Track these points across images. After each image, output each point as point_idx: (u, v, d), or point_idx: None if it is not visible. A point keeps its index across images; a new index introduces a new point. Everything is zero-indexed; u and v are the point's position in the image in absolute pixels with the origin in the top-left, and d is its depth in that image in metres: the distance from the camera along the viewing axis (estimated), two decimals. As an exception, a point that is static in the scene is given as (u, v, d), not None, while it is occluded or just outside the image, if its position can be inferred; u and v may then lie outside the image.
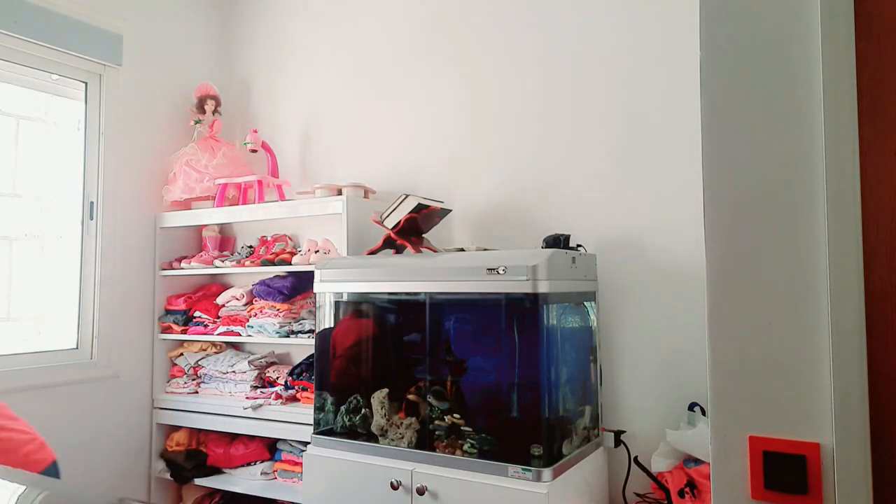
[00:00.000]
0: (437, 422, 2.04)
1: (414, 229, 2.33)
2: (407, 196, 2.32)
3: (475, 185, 2.59)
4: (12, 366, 2.49)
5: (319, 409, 2.27)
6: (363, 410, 2.16)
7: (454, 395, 2.06)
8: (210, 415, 2.78)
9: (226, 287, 3.07)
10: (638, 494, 2.11)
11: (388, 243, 2.35)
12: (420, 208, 2.29)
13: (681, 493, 1.86)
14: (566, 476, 1.86)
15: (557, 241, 2.12)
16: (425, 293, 2.09)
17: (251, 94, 3.29)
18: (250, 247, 2.98)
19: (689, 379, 2.12)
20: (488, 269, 1.91)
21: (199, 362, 2.96)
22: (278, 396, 2.66)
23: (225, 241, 3.21)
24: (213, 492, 2.91)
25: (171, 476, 2.86)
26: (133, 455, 2.88)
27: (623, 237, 2.27)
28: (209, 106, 3.06)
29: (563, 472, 1.84)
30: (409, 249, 2.28)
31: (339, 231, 2.58)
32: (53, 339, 2.71)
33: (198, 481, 2.80)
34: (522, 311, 1.91)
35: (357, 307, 2.36)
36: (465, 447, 1.95)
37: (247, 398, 2.71)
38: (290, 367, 2.78)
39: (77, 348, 2.75)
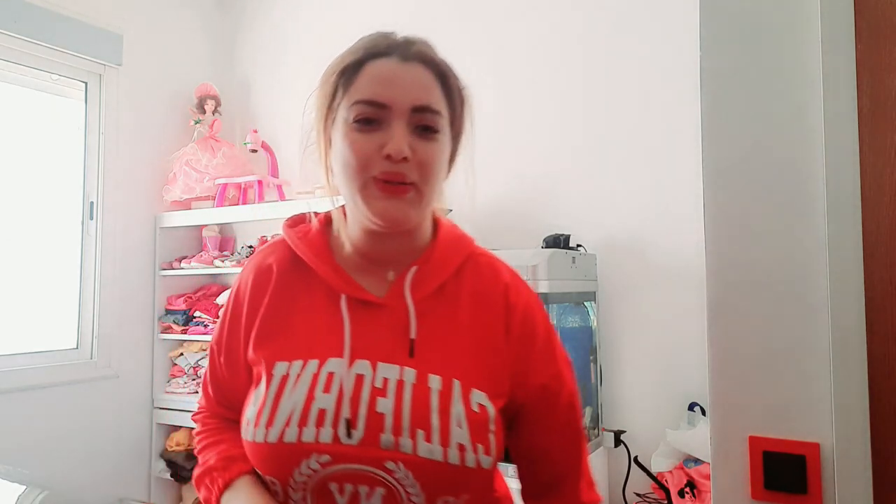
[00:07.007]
0: (437, 422, 2.03)
1: (414, 229, 2.32)
2: (407, 196, 2.31)
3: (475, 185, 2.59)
4: (12, 366, 2.48)
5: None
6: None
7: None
8: (210, 415, 2.78)
9: (226, 287, 3.07)
10: (638, 494, 2.11)
11: (388, 243, 2.35)
12: (420, 208, 2.29)
13: (681, 493, 1.86)
14: (566, 476, 1.85)
15: (557, 241, 2.12)
16: (425, 293, 2.09)
17: (251, 94, 3.29)
18: (250, 247, 2.98)
19: (689, 379, 2.11)
20: (488, 269, 1.91)
21: (200, 362, 2.96)
22: (278, 396, 2.65)
23: (225, 241, 3.21)
24: (213, 492, 2.91)
25: (171, 476, 2.85)
26: (133, 455, 2.88)
27: (623, 237, 2.27)
28: (209, 106, 3.05)
29: (563, 472, 1.84)
30: (409, 249, 2.27)
31: (339, 231, 2.58)
32: (53, 339, 2.71)
33: (198, 481, 2.79)
34: (522, 311, 1.91)
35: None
36: (465, 447, 1.94)
37: (247, 398, 2.70)
38: (290, 367, 2.77)
39: (77, 348, 2.75)
